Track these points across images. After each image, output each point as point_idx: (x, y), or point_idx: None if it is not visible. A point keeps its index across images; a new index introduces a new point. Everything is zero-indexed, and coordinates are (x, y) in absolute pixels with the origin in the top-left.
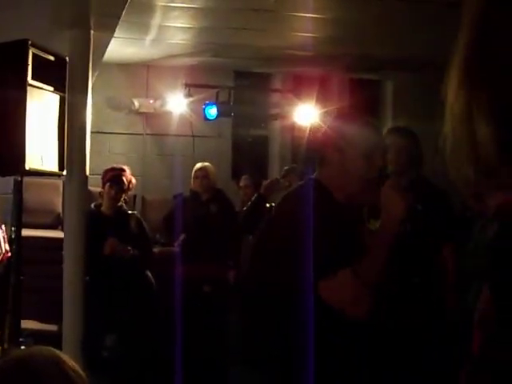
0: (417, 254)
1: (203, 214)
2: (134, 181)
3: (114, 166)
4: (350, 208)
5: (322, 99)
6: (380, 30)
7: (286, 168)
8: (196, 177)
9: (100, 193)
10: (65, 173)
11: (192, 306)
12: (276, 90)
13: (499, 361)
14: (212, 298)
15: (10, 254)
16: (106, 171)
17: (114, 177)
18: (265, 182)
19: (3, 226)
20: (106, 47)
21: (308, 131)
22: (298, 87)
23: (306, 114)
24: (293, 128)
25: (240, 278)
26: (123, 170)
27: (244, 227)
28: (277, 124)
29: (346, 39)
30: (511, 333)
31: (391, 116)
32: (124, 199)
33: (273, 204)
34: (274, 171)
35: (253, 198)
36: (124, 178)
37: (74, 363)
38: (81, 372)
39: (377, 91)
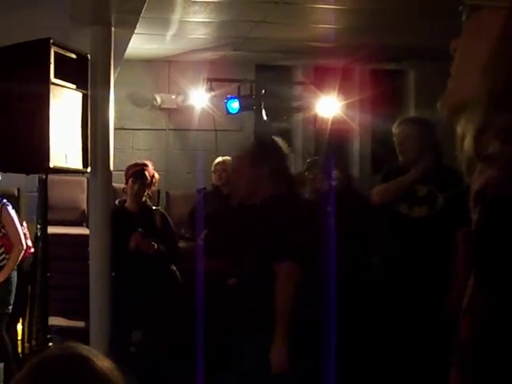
0: (434, 238)
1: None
2: (157, 176)
3: (137, 161)
4: None
5: (344, 91)
6: (401, 19)
7: (308, 161)
8: (215, 170)
9: (123, 189)
10: (89, 170)
11: (216, 299)
12: (298, 83)
13: (487, 345)
14: (236, 291)
15: (32, 251)
16: (129, 167)
17: (136, 172)
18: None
19: (25, 223)
20: (128, 44)
21: (330, 123)
22: (319, 79)
23: (329, 106)
24: (315, 120)
25: None
26: (146, 165)
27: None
28: (299, 116)
29: (367, 29)
30: (499, 317)
31: (414, 106)
32: (148, 194)
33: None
34: (297, 164)
35: None
36: (147, 173)
37: (104, 362)
38: (113, 370)
39: (399, 81)
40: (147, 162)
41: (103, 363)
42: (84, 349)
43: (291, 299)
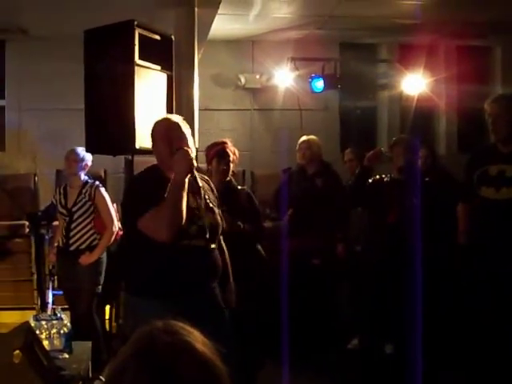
0: None
1: (308, 187)
2: (237, 152)
3: (216, 141)
4: None
5: (430, 68)
6: None
7: (394, 139)
8: (300, 149)
9: (208, 169)
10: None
11: (302, 278)
12: (382, 61)
13: None
14: (321, 271)
15: (124, 232)
16: (210, 147)
17: (219, 152)
18: (368, 154)
19: (115, 205)
20: (211, 24)
21: (416, 101)
22: (404, 56)
23: (414, 84)
24: (401, 98)
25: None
26: (226, 143)
27: (351, 201)
28: (385, 94)
29: (453, 5)
30: None
31: (501, 83)
32: (232, 172)
33: (382, 175)
34: (383, 142)
35: (357, 171)
36: (229, 151)
37: (203, 343)
38: (211, 350)
39: (486, 58)
40: (226, 140)
41: (202, 344)
42: (184, 329)
43: None
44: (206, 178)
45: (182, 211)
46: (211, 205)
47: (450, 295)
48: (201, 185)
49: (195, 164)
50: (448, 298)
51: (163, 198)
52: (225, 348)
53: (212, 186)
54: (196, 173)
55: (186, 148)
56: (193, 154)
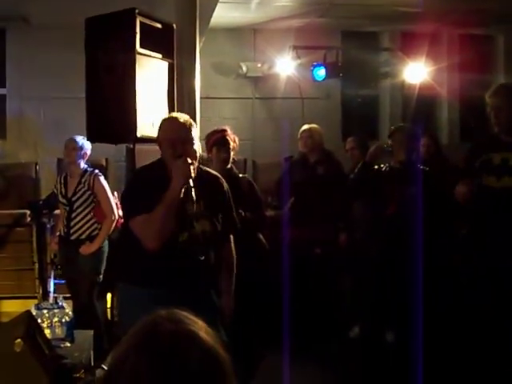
0: None
1: (310, 176)
2: (237, 140)
3: (215, 128)
4: None
5: (432, 56)
6: None
7: (392, 128)
8: (301, 138)
9: (208, 157)
10: None
11: (303, 268)
12: (385, 49)
13: None
14: (323, 261)
15: (123, 221)
16: (209, 135)
17: (218, 140)
18: (370, 150)
19: (116, 193)
20: (212, 12)
21: (418, 89)
22: (407, 45)
23: (416, 72)
24: (403, 86)
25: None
26: (225, 131)
27: (351, 194)
28: (387, 83)
29: None
30: None
31: (503, 72)
32: (233, 159)
33: (381, 165)
34: (385, 130)
35: (359, 166)
36: (228, 138)
37: (207, 333)
38: (216, 340)
39: (488, 47)
40: (225, 128)
41: (207, 334)
42: (188, 318)
43: None
44: (215, 175)
45: (171, 222)
46: (205, 213)
47: (450, 290)
48: (195, 196)
49: (193, 175)
50: (447, 293)
51: (158, 202)
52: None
53: (220, 186)
54: (192, 183)
55: (185, 158)
56: (195, 161)
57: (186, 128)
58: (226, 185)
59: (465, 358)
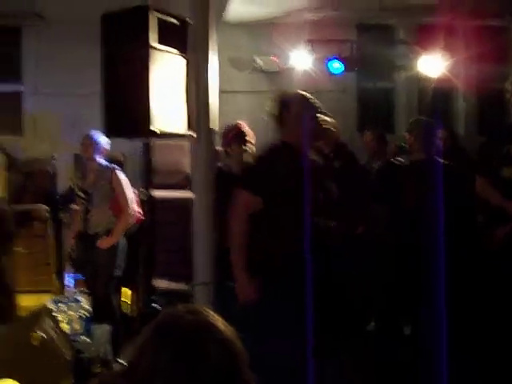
0: None
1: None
2: (252, 133)
3: (230, 124)
4: None
5: (448, 48)
6: None
7: (411, 121)
8: None
9: (226, 151)
10: (192, 133)
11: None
12: (400, 42)
13: None
14: (341, 253)
15: (141, 217)
16: (227, 131)
17: (238, 135)
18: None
19: (133, 189)
20: (225, 6)
21: (434, 82)
22: (422, 37)
23: (432, 65)
24: (419, 79)
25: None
26: (242, 126)
27: (375, 194)
28: (402, 75)
29: None
30: None
31: None
32: (252, 153)
33: (392, 160)
34: (401, 123)
35: (380, 164)
36: (245, 131)
37: (224, 326)
38: (232, 333)
39: (505, 37)
40: (241, 122)
41: (223, 324)
42: (206, 310)
43: None
44: None
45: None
46: None
47: (474, 284)
48: None
49: None
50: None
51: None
52: None
53: None
54: None
55: None
56: None
57: None
58: None
59: (491, 354)
